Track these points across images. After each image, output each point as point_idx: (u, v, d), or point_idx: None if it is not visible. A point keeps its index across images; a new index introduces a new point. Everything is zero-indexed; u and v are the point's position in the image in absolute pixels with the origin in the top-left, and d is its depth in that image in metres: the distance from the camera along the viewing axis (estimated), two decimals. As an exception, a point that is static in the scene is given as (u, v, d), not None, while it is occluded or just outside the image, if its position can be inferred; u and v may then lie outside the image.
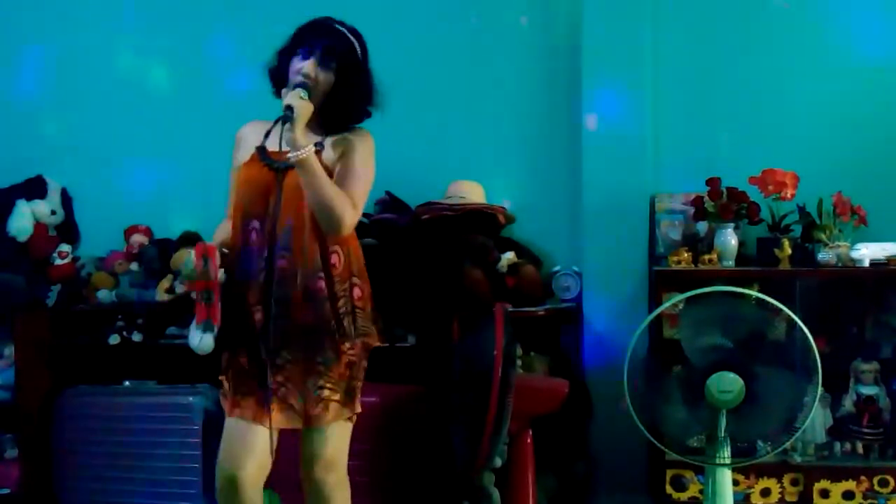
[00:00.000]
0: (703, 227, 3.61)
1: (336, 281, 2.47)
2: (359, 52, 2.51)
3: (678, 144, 3.76)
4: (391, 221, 3.75)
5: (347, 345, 2.47)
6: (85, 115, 4.18)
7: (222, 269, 2.39)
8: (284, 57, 2.50)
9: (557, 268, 3.81)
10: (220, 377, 2.51)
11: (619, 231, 3.68)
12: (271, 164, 2.43)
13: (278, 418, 2.43)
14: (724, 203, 3.46)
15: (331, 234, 2.43)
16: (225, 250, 2.46)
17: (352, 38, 2.51)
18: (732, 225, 3.48)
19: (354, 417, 2.53)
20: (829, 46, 3.70)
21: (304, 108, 2.36)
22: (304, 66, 2.43)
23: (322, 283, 2.43)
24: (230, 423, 2.46)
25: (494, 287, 3.56)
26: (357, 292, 2.51)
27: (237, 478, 2.40)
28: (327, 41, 2.46)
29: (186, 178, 4.08)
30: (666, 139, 3.75)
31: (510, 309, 3.29)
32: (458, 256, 3.58)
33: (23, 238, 3.98)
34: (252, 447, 2.42)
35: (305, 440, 2.49)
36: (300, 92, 2.38)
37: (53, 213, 4.06)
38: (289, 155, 2.33)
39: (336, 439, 2.49)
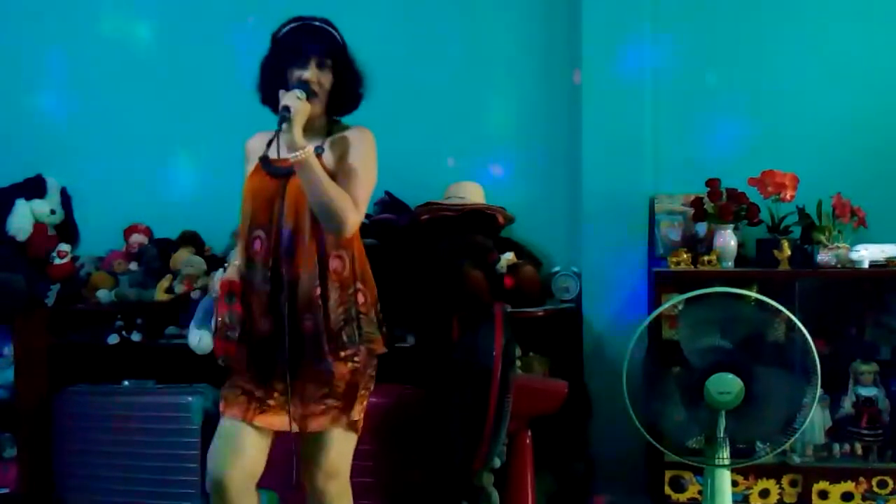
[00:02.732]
0: (702, 228, 3.61)
1: (338, 287, 2.44)
2: (341, 42, 2.53)
3: (678, 145, 3.76)
4: (391, 222, 3.75)
5: (350, 351, 2.44)
6: (85, 114, 4.18)
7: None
8: (275, 70, 2.48)
9: (557, 268, 3.81)
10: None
11: (618, 232, 3.68)
12: (272, 172, 2.44)
13: (275, 421, 2.42)
14: (724, 204, 3.45)
15: (334, 236, 2.41)
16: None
17: (333, 31, 2.52)
18: (732, 226, 3.48)
19: (359, 426, 2.50)
20: (830, 47, 3.70)
21: (301, 107, 2.36)
22: (305, 74, 2.43)
23: (318, 290, 2.41)
24: (223, 423, 2.47)
25: (494, 287, 3.56)
26: (361, 298, 2.48)
27: (224, 478, 2.40)
28: (319, 45, 2.46)
29: (186, 178, 4.08)
30: (665, 140, 3.75)
31: (509, 309, 3.29)
32: (458, 257, 3.58)
33: (22, 237, 3.98)
34: (240, 448, 2.42)
35: (305, 446, 2.47)
36: (297, 92, 2.38)
37: (53, 212, 4.06)
38: (288, 156, 2.33)
39: (337, 447, 2.47)
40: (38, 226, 4.02)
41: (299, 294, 2.40)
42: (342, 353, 2.43)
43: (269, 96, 2.51)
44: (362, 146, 2.48)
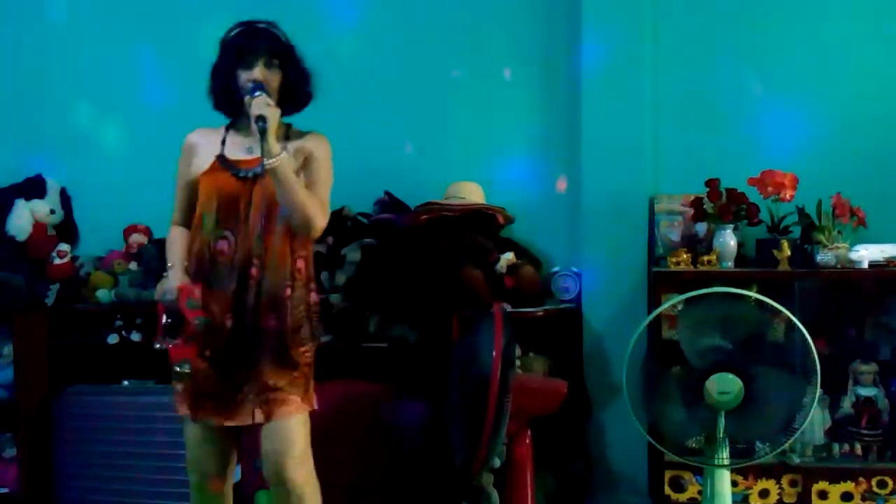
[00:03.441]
0: (702, 228, 3.61)
1: (301, 286, 2.56)
2: (286, 42, 2.60)
3: (677, 145, 3.76)
4: (390, 222, 3.75)
5: (306, 347, 2.57)
6: (84, 114, 4.18)
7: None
8: (225, 74, 2.55)
9: (556, 268, 3.81)
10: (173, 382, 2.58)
11: (618, 232, 3.68)
12: (239, 174, 2.51)
13: (241, 417, 2.51)
14: (724, 204, 3.45)
15: (304, 237, 2.52)
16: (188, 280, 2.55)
17: (277, 32, 2.60)
18: (731, 226, 3.48)
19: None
20: (829, 46, 3.70)
21: (273, 115, 2.43)
22: (254, 74, 2.49)
23: (289, 291, 2.52)
24: (192, 428, 2.57)
25: (493, 287, 3.56)
26: (313, 297, 2.61)
27: (208, 483, 2.57)
28: (264, 45, 2.53)
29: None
30: (665, 140, 3.75)
31: (509, 309, 3.29)
32: (458, 257, 3.58)
33: (22, 237, 3.98)
34: (214, 449, 2.57)
35: (269, 437, 2.54)
36: (266, 99, 2.45)
37: (52, 212, 4.06)
38: (264, 163, 2.40)
39: (302, 434, 2.57)
40: (38, 226, 4.02)
41: (264, 293, 2.49)
42: (300, 349, 2.55)
43: (220, 102, 2.60)
44: (323, 153, 2.59)
